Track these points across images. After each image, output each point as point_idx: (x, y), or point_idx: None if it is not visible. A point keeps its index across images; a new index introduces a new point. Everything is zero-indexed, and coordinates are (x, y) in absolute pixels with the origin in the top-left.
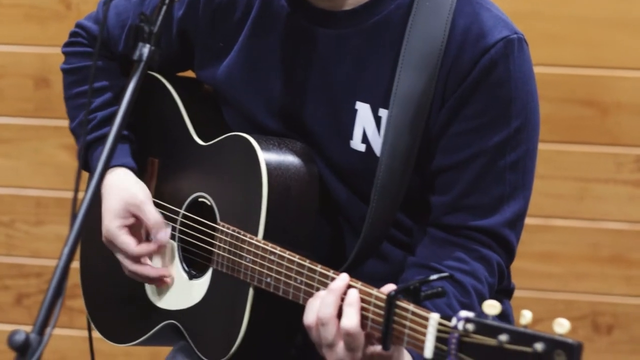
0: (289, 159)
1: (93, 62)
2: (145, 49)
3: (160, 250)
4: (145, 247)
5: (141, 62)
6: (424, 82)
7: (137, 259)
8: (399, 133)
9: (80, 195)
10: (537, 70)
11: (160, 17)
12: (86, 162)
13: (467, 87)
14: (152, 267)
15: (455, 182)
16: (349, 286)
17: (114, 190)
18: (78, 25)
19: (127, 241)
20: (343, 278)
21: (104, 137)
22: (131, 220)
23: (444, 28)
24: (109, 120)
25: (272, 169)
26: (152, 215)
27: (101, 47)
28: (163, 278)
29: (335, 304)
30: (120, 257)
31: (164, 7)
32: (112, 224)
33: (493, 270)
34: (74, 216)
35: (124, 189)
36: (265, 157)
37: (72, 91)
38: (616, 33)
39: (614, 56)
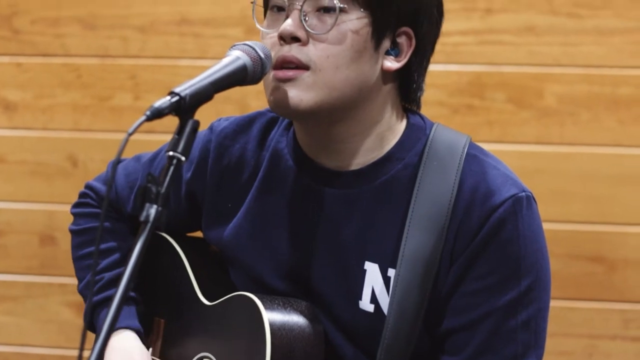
0: (294, 319)
1: (100, 223)
2: (152, 210)
3: None
4: None
5: (148, 223)
6: (432, 242)
7: None
8: (406, 293)
9: (85, 354)
10: (543, 226)
11: (167, 178)
12: (92, 323)
13: (476, 246)
14: None
15: (467, 343)
16: None
17: (117, 353)
18: (87, 186)
19: None
20: None
21: (110, 299)
22: None
23: (452, 187)
24: (116, 281)
25: (276, 329)
26: None
27: (109, 208)
28: None
29: None
30: None
31: (172, 168)
32: None
33: None
34: None
35: (127, 355)
36: (269, 316)
37: (80, 252)
38: (622, 189)
39: (620, 212)
